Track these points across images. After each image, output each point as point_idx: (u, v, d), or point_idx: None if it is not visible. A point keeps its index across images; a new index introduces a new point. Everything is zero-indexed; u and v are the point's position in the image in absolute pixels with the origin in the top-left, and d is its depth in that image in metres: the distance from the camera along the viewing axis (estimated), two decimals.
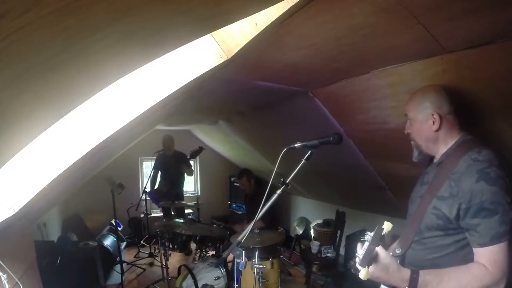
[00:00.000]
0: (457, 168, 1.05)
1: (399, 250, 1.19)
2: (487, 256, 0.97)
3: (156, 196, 4.25)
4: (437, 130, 1.15)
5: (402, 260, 1.19)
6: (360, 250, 1.04)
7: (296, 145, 1.36)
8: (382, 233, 1.02)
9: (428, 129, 1.17)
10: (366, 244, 1.02)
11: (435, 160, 1.22)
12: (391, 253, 1.14)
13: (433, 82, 1.37)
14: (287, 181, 1.37)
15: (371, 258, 1.00)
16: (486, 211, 0.97)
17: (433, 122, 1.15)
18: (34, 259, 1.91)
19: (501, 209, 0.96)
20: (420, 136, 1.22)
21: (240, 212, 5.39)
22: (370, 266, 1.01)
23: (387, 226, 1.03)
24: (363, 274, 1.00)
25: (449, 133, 1.16)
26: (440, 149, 1.19)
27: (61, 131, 1.25)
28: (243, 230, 3.35)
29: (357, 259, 1.05)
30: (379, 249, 1.04)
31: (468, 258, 1.02)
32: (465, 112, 1.23)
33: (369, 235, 1.03)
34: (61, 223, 4.27)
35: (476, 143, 1.10)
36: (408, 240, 1.17)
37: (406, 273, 1.01)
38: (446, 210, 1.05)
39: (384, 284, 1.09)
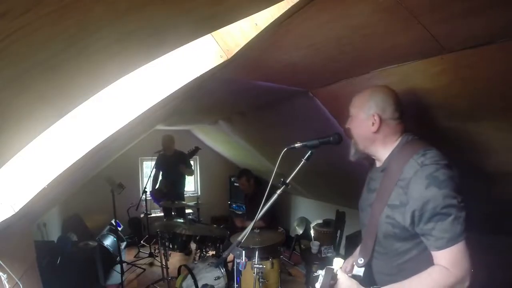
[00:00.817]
0: (404, 174, 1.03)
1: (361, 260, 1.16)
2: (446, 258, 0.96)
3: (157, 195, 4.25)
4: (375, 132, 1.14)
5: (369, 270, 1.17)
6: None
7: (296, 145, 1.36)
8: (334, 271, 1.05)
9: (367, 128, 1.16)
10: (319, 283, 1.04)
11: (377, 165, 1.20)
12: (354, 263, 1.16)
13: (433, 82, 1.37)
14: (287, 181, 1.37)
15: None
16: (440, 215, 0.96)
17: (373, 123, 1.14)
18: (34, 259, 1.91)
19: (453, 211, 0.96)
20: (358, 134, 1.21)
21: (240, 212, 5.40)
22: None
23: (337, 263, 1.07)
24: None
25: (389, 137, 1.14)
26: (379, 152, 1.17)
27: (61, 131, 1.25)
28: (243, 225, 3.38)
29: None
30: (339, 273, 1.05)
31: (432, 259, 1.02)
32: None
33: (321, 275, 1.04)
34: (61, 223, 4.28)
35: (420, 143, 1.08)
36: (368, 249, 1.15)
37: None
38: (400, 218, 1.03)
39: None
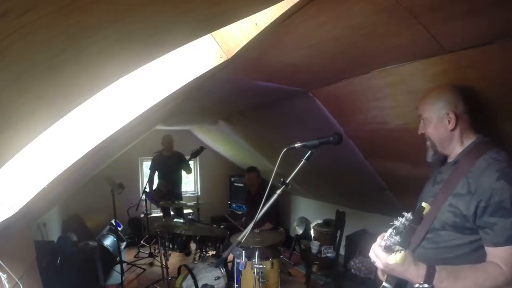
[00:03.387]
0: (476, 166, 1.04)
1: None
2: (501, 256, 0.96)
3: (156, 196, 4.24)
4: (452, 130, 1.14)
5: None
6: (388, 236, 0.97)
7: (296, 145, 1.36)
8: (423, 213, 0.98)
9: (444, 128, 1.16)
10: (401, 225, 0.94)
11: (449, 160, 1.21)
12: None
13: (433, 82, 1.37)
14: (287, 181, 1.37)
15: (409, 241, 0.96)
16: (504, 210, 0.95)
17: (449, 121, 1.14)
18: (34, 259, 1.91)
19: None
20: (435, 136, 1.20)
21: (240, 212, 5.39)
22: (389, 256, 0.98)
23: (426, 206, 0.99)
24: (399, 257, 0.95)
25: (465, 132, 1.15)
26: (455, 149, 1.17)
27: (61, 131, 1.25)
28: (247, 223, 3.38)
29: (386, 243, 0.97)
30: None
31: (480, 260, 1.01)
32: (477, 113, 1.22)
33: (404, 217, 0.95)
34: (61, 223, 4.28)
35: (494, 145, 1.09)
36: (418, 238, 1.14)
37: (422, 267, 0.98)
38: (463, 207, 1.03)
39: (399, 276, 1.03)
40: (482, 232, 1.00)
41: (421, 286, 0.97)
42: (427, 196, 1.23)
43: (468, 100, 1.16)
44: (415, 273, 0.97)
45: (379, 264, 1.02)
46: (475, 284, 0.96)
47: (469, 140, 1.15)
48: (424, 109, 1.22)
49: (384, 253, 0.98)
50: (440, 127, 1.16)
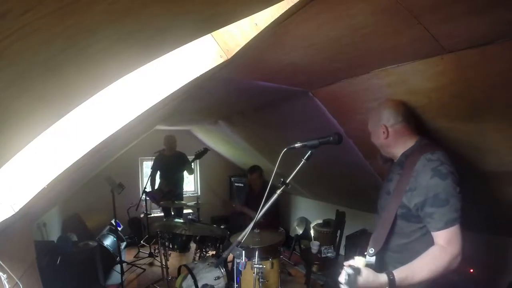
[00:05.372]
0: (416, 167, 1.25)
1: (371, 250, 1.28)
2: (443, 237, 1.16)
3: (157, 196, 4.23)
4: (386, 138, 1.41)
5: (380, 258, 1.31)
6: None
7: (296, 145, 1.36)
8: (359, 267, 1.16)
9: (381, 137, 1.43)
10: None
11: (395, 161, 1.45)
12: (365, 253, 1.29)
13: (433, 82, 1.38)
14: (287, 181, 1.37)
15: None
16: (440, 201, 1.17)
17: (383, 132, 1.41)
18: (34, 259, 1.91)
19: (452, 199, 1.17)
20: (377, 143, 1.49)
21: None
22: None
23: (359, 262, 1.19)
24: (358, 260, 1.20)
25: (400, 139, 1.40)
26: (395, 152, 1.43)
27: (61, 131, 1.25)
28: (242, 210, 3.35)
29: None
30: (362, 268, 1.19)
31: (432, 241, 1.20)
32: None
33: (346, 272, 1.14)
34: (61, 223, 4.27)
35: (431, 146, 1.30)
36: (381, 237, 1.30)
37: (383, 277, 1.14)
38: (406, 201, 1.25)
39: None
40: (426, 222, 1.22)
41: None
42: (382, 192, 1.46)
43: (400, 112, 1.40)
44: (379, 284, 1.14)
45: None
46: (430, 271, 1.13)
47: (410, 143, 1.38)
48: (369, 121, 1.53)
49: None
50: (378, 136, 1.44)
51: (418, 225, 1.25)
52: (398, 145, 1.40)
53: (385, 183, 1.47)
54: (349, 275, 1.12)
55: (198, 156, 3.87)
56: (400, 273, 1.14)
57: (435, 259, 1.15)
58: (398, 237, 1.30)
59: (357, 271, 1.13)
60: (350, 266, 1.15)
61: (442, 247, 1.15)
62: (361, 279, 1.13)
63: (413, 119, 1.44)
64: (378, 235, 1.31)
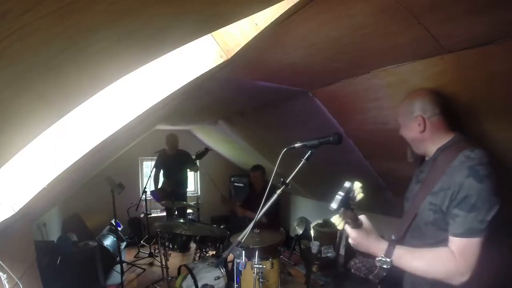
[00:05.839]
0: (452, 164, 1.11)
1: (394, 236, 1.25)
2: (457, 245, 1.03)
3: (160, 195, 4.22)
4: (422, 132, 1.24)
5: None
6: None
7: (296, 145, 1.36)
8: (350, 186, 1.15)
9: (415, 131, 1.26)
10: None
11: (427, 158, 1.30)
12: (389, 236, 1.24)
13: (433, 82, 1.37)
14: (287, 181, 1.37)
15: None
16: (468, 205, 1.02)
17: (419, 124, 1.24)
18: (34, 259, 1.91)
19: (482, 208, 1.01)
20: (408, 137, 1.32)
21: None
22: (354, 230, 1.12)
23: (357, 184, 1.15)
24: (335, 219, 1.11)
25: (436, 133, 1.23)
26: (429, 148, 1.26)
27: (61, 131, 1.25)
28: (244, 215, 3.34)
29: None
30: (363, 218, 1.15)
31: None
32: (457, 113, 1.30)
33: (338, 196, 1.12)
34: (61, 223, 4.27)
35: (470, 142, 1.16)
36: (401, 231, 1.24)
37: (384, 243, 1.11)
38: (440, 202, 1.10)
39: (365, 251, 1.16)
40: (448, 223, 1.08)
41: (382, 259, 1.10)
42: (410, 195, 1.32)
43: (438, 103, 1.23)
44: (377, 248, 1.12)
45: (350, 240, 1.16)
46: (427, 265, 1.06)
47: (445, 139, 1.22)
48: (399, 113, 1.35)
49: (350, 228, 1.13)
50: (411, 129, 1.27)
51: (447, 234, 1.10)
52: (434, 140, 1.23)
53: (413, 184, 1.34)
54: (340, 195, 1.10)
55: (199, 156, 3.86)
56: (401, 249, 1.10)
57: (438, 260, 1.05)
58: (425, 244, 1.16)
59: (349, 189, 1.12)
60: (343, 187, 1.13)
61: (452, 254, 1.03)
62: (363, 228, 1.12)
63: (449, 113, 1.27)
64: (401, 228, 1.25)
